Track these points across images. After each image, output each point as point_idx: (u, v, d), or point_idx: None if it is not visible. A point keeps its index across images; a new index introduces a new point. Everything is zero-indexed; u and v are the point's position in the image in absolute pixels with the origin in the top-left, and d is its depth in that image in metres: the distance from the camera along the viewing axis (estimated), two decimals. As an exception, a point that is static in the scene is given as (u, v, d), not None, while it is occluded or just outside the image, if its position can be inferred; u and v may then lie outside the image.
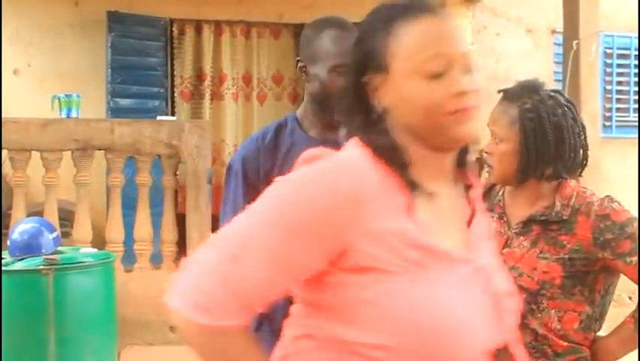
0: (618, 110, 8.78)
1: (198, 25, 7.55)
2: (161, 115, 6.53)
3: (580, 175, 2.07)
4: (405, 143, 1.31)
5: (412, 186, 1.27)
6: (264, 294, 1.27)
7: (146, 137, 5.25)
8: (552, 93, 2.05)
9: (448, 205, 1.35)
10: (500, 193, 2.12)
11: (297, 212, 1.26)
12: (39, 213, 4.95)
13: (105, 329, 4.16)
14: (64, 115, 5.30)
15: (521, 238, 2.01)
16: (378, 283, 1.23)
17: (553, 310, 1.95)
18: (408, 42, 1.30)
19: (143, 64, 7.21)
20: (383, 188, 1.26)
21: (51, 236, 4.21)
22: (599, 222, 1.95)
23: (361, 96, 1.36)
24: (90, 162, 5.22)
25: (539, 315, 1.95)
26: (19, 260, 3.92)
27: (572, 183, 2.05)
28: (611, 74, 8.72)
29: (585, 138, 2.06)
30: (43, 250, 4.08)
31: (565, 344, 1.96)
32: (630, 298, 7.10)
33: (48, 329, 3.83)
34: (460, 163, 1.41)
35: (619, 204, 2.00)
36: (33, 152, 5.11)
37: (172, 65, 7.51)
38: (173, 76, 7.54)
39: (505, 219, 2.07)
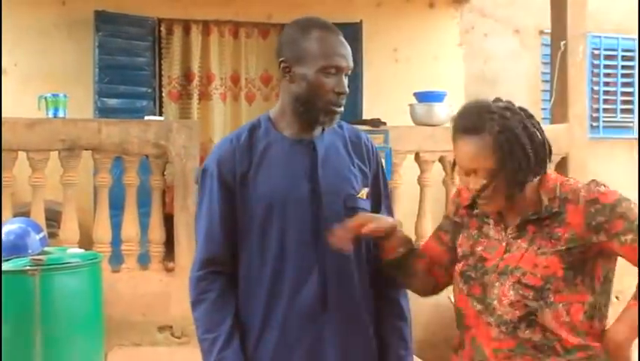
0: (605, 110, 8.83)
1: (186, 25, 7.53)
2: (148, 115, 6.50)
3: (549, 160, 2.08)
4: None
5: None
6: None
7: (134, 137, 5.23)
8: (501, 104, 2.04)
9: None
10: None
11: None
12: (26, 214, 4.92)
13: (92, 329, 4.15)
14: (51, 115, 5.27)
15: (519, 240, 2.03)
16: None
17: (560, 304, 1.96)
18: None
19: (130, 64, 7.19)
20: None
21: (38, 236, 4.19)
22: (589, 206, 1.97)
23: None
24: (77, 162, 5.19)
25: (547, 310, 1.96)
26: (6, 261, 3.89)
27: (552, 175, 2.09)
28: (598, 75, 8.76)
29: (547, 148, 2.06)
30: (30, 251, 4.07)
31: (574, 339, 1.97)
32: (617, 297, 7.13)
33: (35, 330, 3.81)
34: None
35: (605, 186, 2.03)
36: (20, 152, 5.08)
37: (160, 64, 7.49)
38: (161, 76, 7.51)
39: (501, 225, 2.08)
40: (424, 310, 4.66)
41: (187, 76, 7.57)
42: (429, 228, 5.43)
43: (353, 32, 7.38)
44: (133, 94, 7.20)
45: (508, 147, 1.96)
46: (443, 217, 2.28)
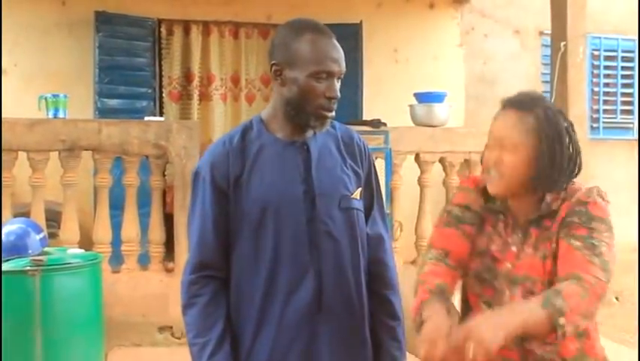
0: (605, 111, 8.84)
1: (186, 26, 7.53)
2: (149, 115, 6.51)
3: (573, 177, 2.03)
4: None
5: None
6: None
7: (134, 137, 5.23)
8: (554, 106, 2.02)
9: None
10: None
11: None
12: (26, 214, 4.92)
13: (92, 330, 4.15)
14: (51, 115, 5.27)
15: (525, 246, 2.00)
16: None
17: None
18: None
19: (130, 64, 7.19)
20: None
21: (38, 237, 4.19)
22: (575, 205, 1.95)
23: None
24: (77, 162, 5.19)
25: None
26: (6, 261, 3.89)
27: None
28: (598, 76, 8.78)
29: (580, 158, 2.02)
30: (30, 251, 4.07)
31: (573, 347, 1.94)
32: (617, 298, 7.14)
33: (35, 331, 3.81)
34: None
35: (604, 200, 1.98)
36: (20, 152, 5.08)
37: (160, 65, 7.49)
38: (161, 76, 7.51)
39: (511, 226, 2.04)
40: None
41: (187, 76, 7.57)
42: (429, 228, 5.43)
43: (353, 33, 7.39)
44: (133, 94, 7.21)
45: (548, 134, 1.93)
46: (459, 210, 2.12)
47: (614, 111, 8.91)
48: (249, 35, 7.71)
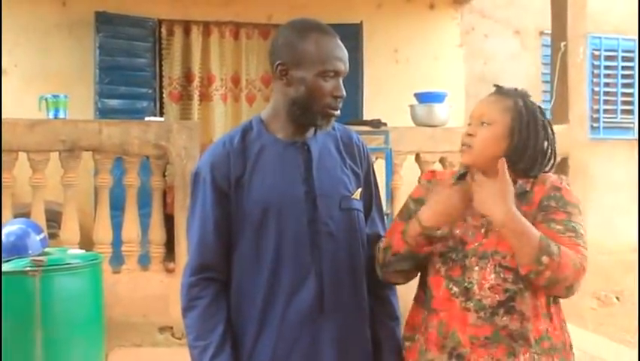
0: (606, 111, 8.84)
1: (187, 26, 7.54)
2: (149, 116, 6.51)
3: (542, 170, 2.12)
4: None
5: None
6: None
7: (134, 138, 5.23)
8: (539, 105, 2.13)
9: None
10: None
11: None
12: (26, 215, 4.92)
13: (92, 330, 4.14)
14: (51, 116, 5.27)
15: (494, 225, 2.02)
16: None
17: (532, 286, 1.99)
18: None
19: (131, 64, 7.19)
20: None
21: (38, 237, 4.19)
22: (551, 191, 2.05)
23: None
24: (78, 162, 5.19)
25: (527, 293, 1.99)
26: (6, 262, 3.89)
27: None
28: (598, 76, 8.78)
29: (555, 154, 2.13)
30: (30, 252, 4.06)
31: (542, 326, 2.00)
32: (618, 298, 7.13)
33: (35, 331, 3.81)
34: None
35: (568, 185, 2.10)
36: (20, 153, 5.08)
37: (160, 65, 7.49)
38: (161, 77, 7.52)
39: (478, 211, 2.04)
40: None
41: (187, 77, 7.57)
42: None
43: (353, 33, 7.39)
44: (133, 95, 7.21)
45: (522, 117, 2.05)
46: (412, 203, 2.21)
47: (615, 111, 8.92)
48: (249, 36, 7.71)
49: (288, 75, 2.08)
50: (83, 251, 4.51)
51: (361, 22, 7.57)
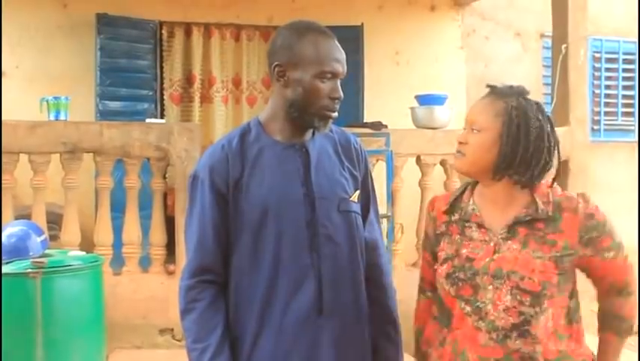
0: (606, 113, 8.84)
1: (188, 28, 7.55)
2: (150, 118, 6.51)
3: (544, 173, 2.07)
4: None
5: None
6: None
7: (135, 139, 5.23)
8: (533, 99, 2.07)
9: None
10: (471, 202, 2.09)
11: None
12: (27, 216, 4.92)
13: (93, 332, 4.14)
14: (52, 117, 5.27)
15: (509, 242, 1.99)
16: None
17: (551, 309, 1.96)
18: None
19: (132, 66, 7.20)
20: None
21: (39, 239, 4.19)
22: (586, 220, 2.00)
23: None
24: (78, 164, 5.19)
25: (542, 317, 1.95)
26: (7, 263, 3.89)
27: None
28: (599, 78, 8.78)
29: (558, 152, 2.09)
30: (31, 253, 4.06)
31: (555, 347, 1.97)
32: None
33: (36, 333, 3.81)
34: None
35: (592, 202, 2.07)
36: (21, 154, 5.08)
37: (161, 67, 7.50)
38: (162, 78, 7.52)
39: (485, 227, 2.03)
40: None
41: (188, 79, 7.58)
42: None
43: (354, 35, 7.40)
44: (134, 97, 7.21)
45: (515, 121, 1.98)
46: (424, 235, 2.25)
47: (615, 113, 8.91)
48: (250, 37, 7.72)
49: (285, 76, 2.08)
50: (84, 253, 4.52)
51: (362, 24, 7.57)
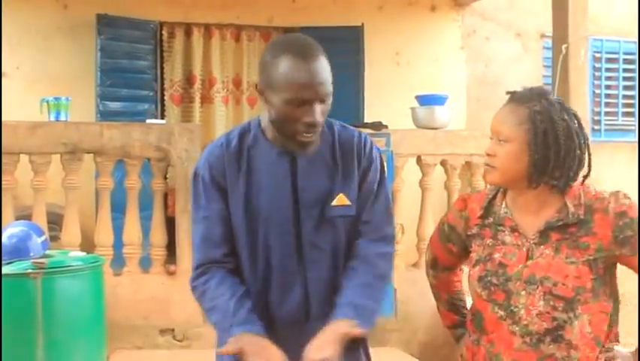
0: (607, 114, 8.83)
1: (188, 29, 7.54)
2: (150, 118, 6.52)
3: (577, 174, 2.04)
4: None
5: None
6: None
7: (136, 140, 5.23)
8: (557, 98, 2.04)
9: None
10: (504, 205, 2.08)
11: None
12: (27, 217, 4.92)
13: (94, 332, 4.14)
14: (53, 118, 5.28)
15: (542, 247, 1.98)
16: None
17: (585, 315, 1.95)
18: None
19: (132, 67, 7.20)
20: None
21: (39, 240, 4.19)
22: (618, 219, 1.95)
23: None
24: (79, 165, 5.19)
25: (576, 322, 1.93)
26: (7, 264, 3.89)
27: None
28: (599, 78, 8.77)
29: (588, 148, 2.04)
30: (32, 254, 4.06)
31: (593, 353, 1.95)
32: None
33: (36, 333, 3.81)
34: None
35: (629, 199, 2.00)
36: (21, 155, 5.08)
37: (162, 68, 7.50)
38: (162, 79, 7.52)
39: (519, 231, 2.03)
40: (426, 314, 4.64)
41: (189, 79, 7.58)
42: (430, 231, 5.40)
43: (355, 35, 7.40)
44: (135, 97, 7.21)
45: (541, 127, 1.95)
46: (447, 227, 2.22)
47: (616, 113, 8.91)
48: (250, 38, 7.72)
49: (264, 96, 2.06)
50: (84, 253, 4.51)
51: (362, 24, 7.57)
